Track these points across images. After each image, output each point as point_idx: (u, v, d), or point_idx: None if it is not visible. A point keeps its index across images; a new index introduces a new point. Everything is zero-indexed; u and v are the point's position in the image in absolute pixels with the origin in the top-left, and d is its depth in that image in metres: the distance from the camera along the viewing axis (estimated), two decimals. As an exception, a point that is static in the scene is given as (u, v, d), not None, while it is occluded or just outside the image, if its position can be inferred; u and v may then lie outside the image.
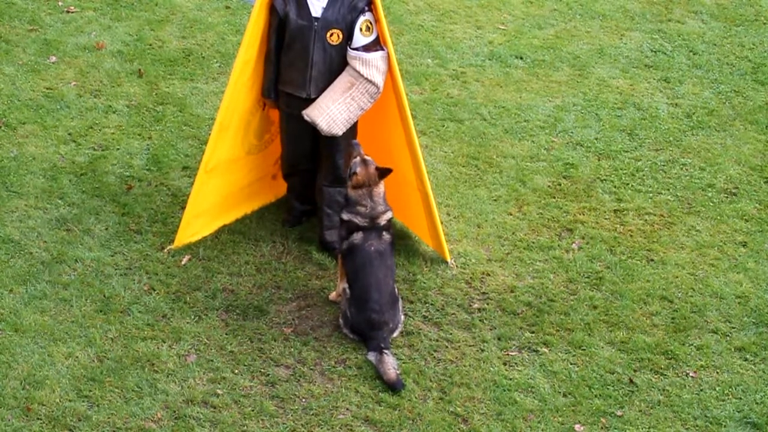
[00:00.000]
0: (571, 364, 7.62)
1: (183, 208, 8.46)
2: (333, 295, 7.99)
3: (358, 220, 7.72)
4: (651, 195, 9.13)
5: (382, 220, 7.76)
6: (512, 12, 11.51)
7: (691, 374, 7.59)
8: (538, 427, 7.19)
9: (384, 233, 7.75)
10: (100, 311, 7.79)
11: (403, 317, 7.81)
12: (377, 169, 7.70)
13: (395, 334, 7.73)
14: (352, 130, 8.04)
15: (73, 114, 9.65)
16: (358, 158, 7.74)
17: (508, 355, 7.67)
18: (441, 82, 10.37)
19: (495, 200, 8.99)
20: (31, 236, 8.36)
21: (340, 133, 7.93)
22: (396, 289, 7.83)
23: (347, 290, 7.74)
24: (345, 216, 7.79)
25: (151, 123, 9.61)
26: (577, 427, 7.20)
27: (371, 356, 7.54)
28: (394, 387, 7.36)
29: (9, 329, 7.61)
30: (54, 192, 8.79)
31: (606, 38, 11.16)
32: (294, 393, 7.33)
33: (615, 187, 9.19)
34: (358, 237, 7.72)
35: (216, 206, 8.39)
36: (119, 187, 8.87)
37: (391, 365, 7.44)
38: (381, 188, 7.76)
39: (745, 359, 7.72)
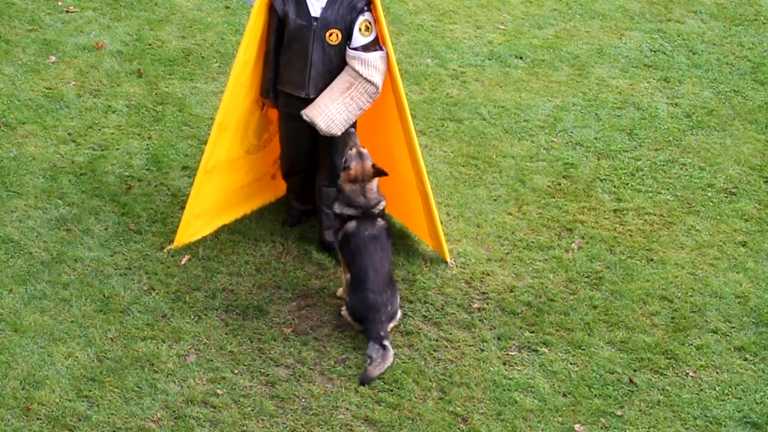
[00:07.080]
0: (571, 364, 7.62)
1: (183, 208, 8.46)
2: (340, 291, 8.00)
3: (350, 212, 7.73)
4: (651, 195, 9.12)
5: (376, 210, 7.76)
6: (512, 12, 11.51)
7: (691, 374, 7.59)
8: (537, 427, 7.19)
9: (378, 220, 7.76)
10: (100, 311, 7.80)
11: (400, 311, 7.81)
12: (373, 166, 7.69)
13: (393, 324, 7.72)
14: (352, 130, 8.06)
15: (73, 114, 9.65)
16: (354, 150, 7.71)
17: (507, 354, 7.67)
18: (441, 81, 10.37)
19: (495, 200, 8.99)
20: (31, 236, 8.36)
21: (339, 133, 7.92)
22: (393, 276, 7.81)
23: (348, 280, 7.75)
24: (337, 209, 7.80)
25: (150, 123, 9.61)
26: (576, 427, 7.20)
27: (372, 349, 7.51)
28: (364, 381, 7.34)
29: (9, 329, 7.61)
30: (54, 192, 8.79)
31: (606, 38, 11.15)
32: (294, 393, 7.33)
33: (615, 186, 9.19)
34: (351, 225, 7.73)
35: (215, 206, 8.39)
36: (119, 187, 8.87)
37: (388, 365, 7.42)
38: (374, 183, 7.75)
39: (745, 359, 7.73)
